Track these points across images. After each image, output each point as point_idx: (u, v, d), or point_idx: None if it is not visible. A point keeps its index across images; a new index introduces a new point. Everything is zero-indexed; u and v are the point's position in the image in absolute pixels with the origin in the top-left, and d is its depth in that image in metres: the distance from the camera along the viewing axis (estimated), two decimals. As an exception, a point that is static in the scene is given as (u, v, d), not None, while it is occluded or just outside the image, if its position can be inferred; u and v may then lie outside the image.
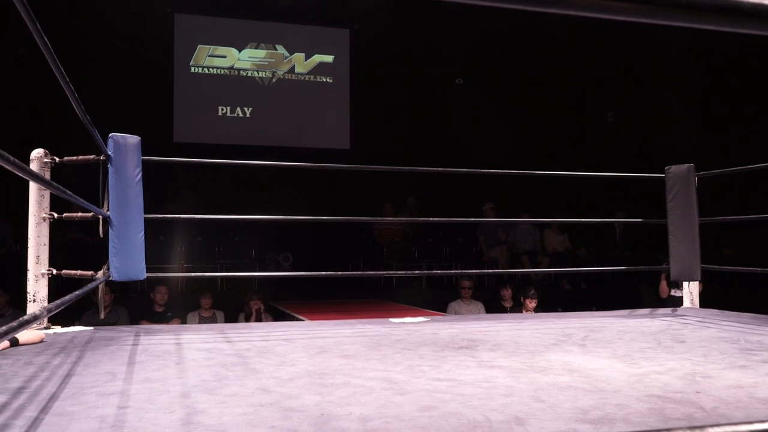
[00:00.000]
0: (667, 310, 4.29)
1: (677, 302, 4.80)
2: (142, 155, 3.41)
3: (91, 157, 3.38)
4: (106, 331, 3.35)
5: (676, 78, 9.88)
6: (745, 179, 6.79)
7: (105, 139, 3.28)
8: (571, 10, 0.45)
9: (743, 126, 9.12)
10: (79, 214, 3.48)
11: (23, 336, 2.81)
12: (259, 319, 6.39)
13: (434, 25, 10.12)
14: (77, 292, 2.22)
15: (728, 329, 3.42)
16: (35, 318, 1.37)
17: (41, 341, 2.93)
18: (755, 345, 2.89)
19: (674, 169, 4.27)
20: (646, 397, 1.94)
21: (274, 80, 10.48)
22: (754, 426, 0.61)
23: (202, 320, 6.40)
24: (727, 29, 0.48)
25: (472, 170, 4.76)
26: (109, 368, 2.37)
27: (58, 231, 6.74)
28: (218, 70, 10.22)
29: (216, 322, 6.32)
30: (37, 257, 3.33)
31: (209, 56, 10.14)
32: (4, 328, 1.10)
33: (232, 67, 10.26)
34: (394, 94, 10.60)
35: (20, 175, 1.53)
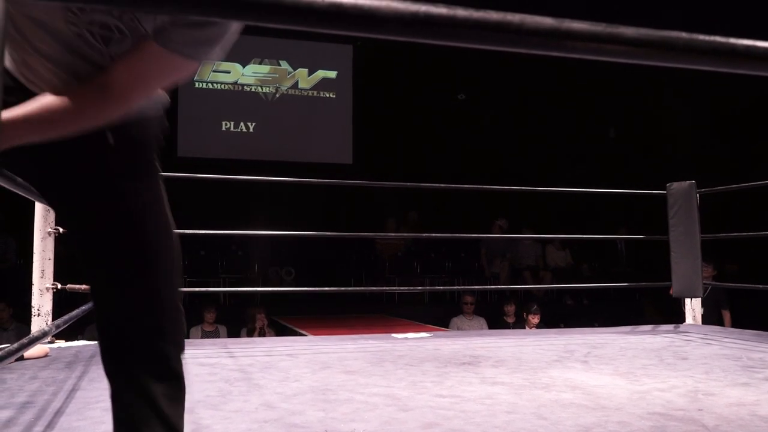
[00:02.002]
0: (670, 327, 4.30)
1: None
2: (148, 171, 3.43)
3: (97, 172, 3.41)
4: (109, 346, 3.36)
5: (679, 94, 9.93)
6: (747, 195, 6.81)
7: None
8: (573, 53, 0.47)
9: (747, 142, 9.15)
10: (85, 228, 3.49)
11: (30, 353, 2.82)
12: (262, 335, 6.39)
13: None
14: (84, 307, 2.24)
15: (730, 346, 3.43)
16: (45, 334, 1.39)
17: (46, 356, 2.95)
18: (757, 362, 2.89)
19: (676, 185, 4.29)
20: (649, 415, 1.94)
21: (277, 95, 10.54)
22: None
23: (205, 335, 6.40)
24: (723, 70, 0.50)
25: (473, 186, 4.79)
26: (114, 383, 2.38)
27: (61, 245, 6.75)
28: (222, 86, 10.29)
29: (219, 337, 6.32)
30: (42, 271, 3.35)
31: (213, 71, 10.22)
32: (15, 345, 1.11)
33: (236, 83, 10.33)
34: (397, 110, 10.66)
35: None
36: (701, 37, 0.48)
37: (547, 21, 0.45)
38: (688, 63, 0.49)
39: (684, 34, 0.47)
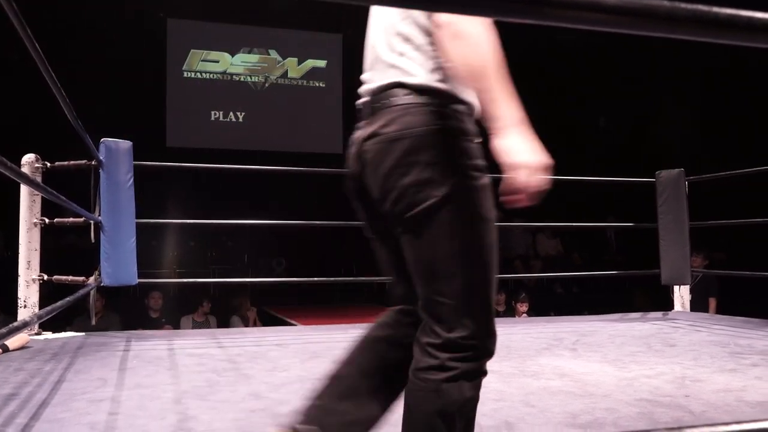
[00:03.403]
0: (658, 314, 4.31)
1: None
2: (135, 160, 3.40)
3: (83, 162, 3.37)
4: (97, 337, 3.34)
5: (668, 83, 9.94)
6: (736, 183, 6.85)
7: (97, 144, 3.27)
8: (552, 21, 0.45)
9: (737, 130, 9.17)
10: (71, 219, 3.47)
11: (12, 342, 2.80)
12: (256, 324, 6.38)
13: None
14: (68, 299, 2.21)
15: (718, 333, 3.44)
16: (26, 324, 1.37)
17: (27, 342, 2.93)
18: (745, 348, 2.91)
19: (664, 173, 4.29)
20: (636, 401, 1.95)
21: (266, 85, 10.48)
22: (732, 427, 0.61)
23: (196, 325, 6.37)
24: (705, 39, 0.48)
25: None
26: (100, 374, 2.36)
27: (49, 236, 6.69)
28: (211, 75, 10.21)
29: (209, 327, 6.29)
30: (28, 263, 3.32)
31: (202, 61, 10.14)
32: (-7, 334, 1.09)
33: (225, 72, 10.26)
34: (387, 99, 10.61)
35: (13, 178, 1.52)
36: (683, 5, 0.46)
37: (527, -13, 0.44)
38: (670, 32, 0.48)
39: (666, 3, 0.46)
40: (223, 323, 6.55)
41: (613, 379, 2.26)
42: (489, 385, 2.18)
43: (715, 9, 0.46)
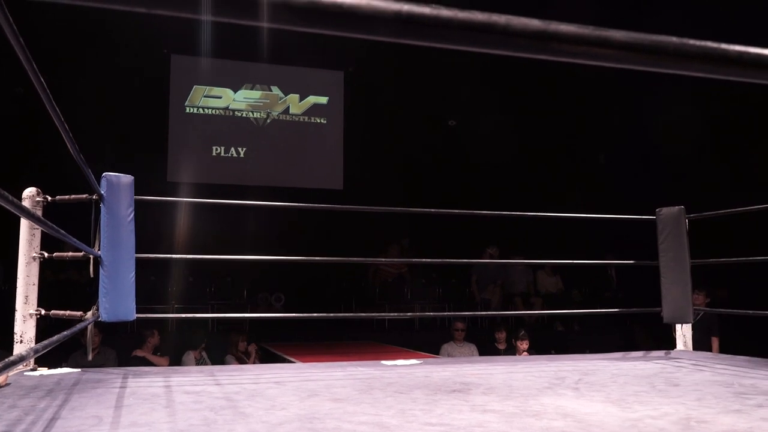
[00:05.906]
0: (661, 353, 4.27)
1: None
2: (136, 194, 3.41)
3: (84, 196, 3.38)
4: (93, 373, 3.30)
5: (667, 118, 10.01)
6: (737, 220, 6.84)
7: (99, 178, 3.28)
8: (560, 56, 0.45)
9: (737, 167, 9.21)
10: (70, 253, 3.46)
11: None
12: (246, 361, 6.31)
13: (427, 67, 10.27)
14: (65, 333, 2.19)
15: (722, 372, 3.40)
16: (21, 359, 1.35)
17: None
18: (749, 389, 2.86)
19: (665, 211, 4.29)
20: (641, 443, 1.91)
21: (268, 121, 10.56)
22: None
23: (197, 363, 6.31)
24: (713, 76, 0.48)
25: (463, 211, 4.77)
26: (96, 412, 2.32)
27: (49, 270, 6.67)
28: (213, 111, 10.30)
29: (207, 364, 6.23)
30: (26, 297, 3.29)
31: (204, 97, 10.24)
32: (-12, 370, 1.08)
33: (227, 108, 10.35)
34: (388, 136, 10.69)
35: (14, 212, 1.52)
36: (692, 41, 0.46)
37: (533, 23, 0.43)
38: (679, 68, 0.48)
39: (674, 39, 0.46)
40: (220, 361, 6.49)
41: (617, 420, 2.22)
42: (490, 425, 2.15)
43: (724, 45, 0.46)
